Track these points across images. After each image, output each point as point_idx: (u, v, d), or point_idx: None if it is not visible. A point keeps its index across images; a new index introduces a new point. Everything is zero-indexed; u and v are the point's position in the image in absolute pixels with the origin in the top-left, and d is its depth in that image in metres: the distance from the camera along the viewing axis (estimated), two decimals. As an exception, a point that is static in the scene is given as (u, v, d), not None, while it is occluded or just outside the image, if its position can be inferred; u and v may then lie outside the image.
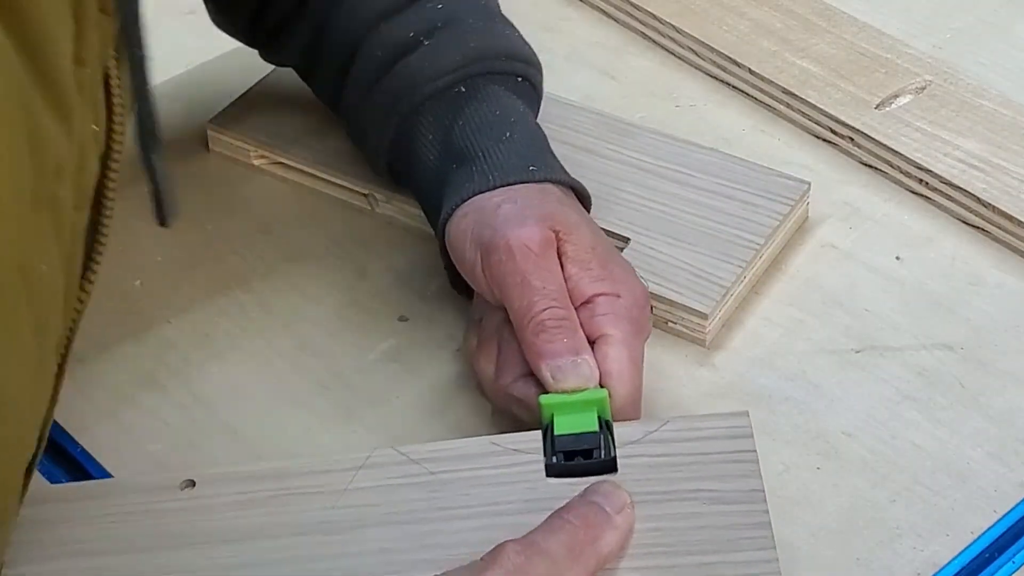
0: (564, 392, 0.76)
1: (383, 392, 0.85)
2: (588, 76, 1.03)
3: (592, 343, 0.78)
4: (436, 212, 0.85)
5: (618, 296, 0.79)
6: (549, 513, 0.71)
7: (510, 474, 0.75)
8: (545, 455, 0.75)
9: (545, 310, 0.78)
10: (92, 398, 0.85)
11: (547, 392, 0.77)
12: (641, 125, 0.96)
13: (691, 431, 0.75)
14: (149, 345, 0.88)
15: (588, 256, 0.80)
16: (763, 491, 0.72)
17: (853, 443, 0.83)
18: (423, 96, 0.86)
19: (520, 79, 0.89)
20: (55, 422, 0.83)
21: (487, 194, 0.82)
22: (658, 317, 0.88)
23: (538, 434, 0.76)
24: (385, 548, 0.72)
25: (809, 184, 0.93)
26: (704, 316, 0.86)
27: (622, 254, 0.89)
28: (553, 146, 0.94)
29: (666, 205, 0.91)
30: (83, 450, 0.83)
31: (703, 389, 0.86)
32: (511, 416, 0.80)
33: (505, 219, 0.80)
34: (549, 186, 0.84)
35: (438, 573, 0.67)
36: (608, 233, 0.90)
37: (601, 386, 0.77)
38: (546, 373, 0.77)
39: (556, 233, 0.80)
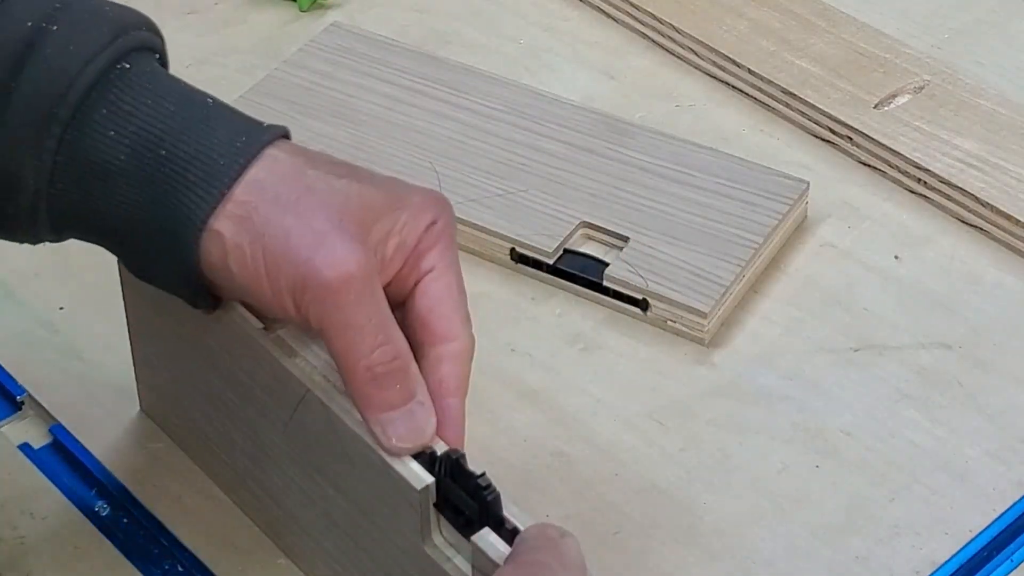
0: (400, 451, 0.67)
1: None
2: (588, 76, 1.04)
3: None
4: (145, 224, 0.68)
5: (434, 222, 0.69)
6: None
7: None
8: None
9: (374, 349, 0.66)
10: (94, 396, 0.85)
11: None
12: (641, 125, 0.97)
13: None
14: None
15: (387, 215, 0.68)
16: None
17: (852, 442, 0.83)
18: (85, 85, 0.67)
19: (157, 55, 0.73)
20: (58, 424, 0.83)
21: (237, 198, 0.67)
22: (657, 316, 0.88)
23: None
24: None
25: (808, 183, 0.93)
26: (703, 315, 0.87)
27: (621, 252, 0.89)
28: (553, 146, 0.95)
29: (665, 204, 0.92)
30: (85, 450, 0.83)
31: (702, 388, 0.86)
32: None
33: (301, 243, 0.66)
34: (280, 153, 0.69)
35: None
36: (607, 232, 0.91)
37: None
38: (375, 427, 0.67)
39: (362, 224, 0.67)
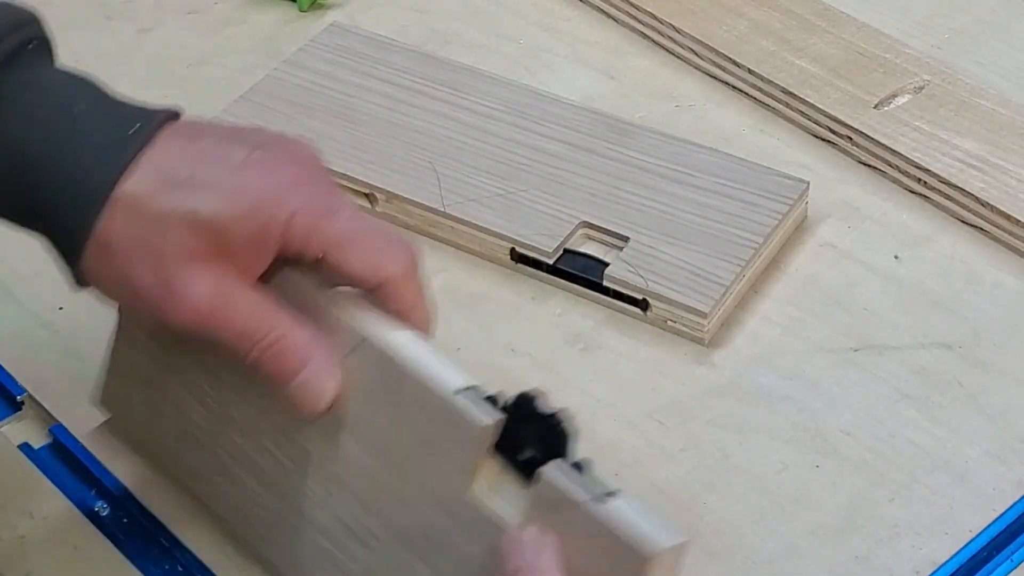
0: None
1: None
2: (588, 76, 1.04)
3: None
4: (34, 230, 0.72)
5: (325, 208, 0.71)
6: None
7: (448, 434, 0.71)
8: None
9: (251, 351, 0.71)
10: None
11: None
12: (641, 125, 0.97)
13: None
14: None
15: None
16: None
17: (852, 442, 0.83)
18: None
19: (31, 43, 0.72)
20: (58, 424, 0.83)
21: (105, 227, 0.69)
22: (657, 316, 0.88)
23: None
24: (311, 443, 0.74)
25: (808, 183, 0.93)
26: (703, 315, 0.87)
27: (621, 252, 0.89)
28: (553, 146, 0.95)
29: (665, 204, 0.92)
30: (85, 450, 0.83)
31: (702, 388, 0.86)
32: None
33: (151, 295, 0.70)
34: (134, 185, 0.70)
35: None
36: (607, 232, 0.91)
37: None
38: (286, 398, 0.72)
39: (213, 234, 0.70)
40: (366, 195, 0.94)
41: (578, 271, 0.90)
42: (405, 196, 0.93)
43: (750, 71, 1.01)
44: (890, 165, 0.96)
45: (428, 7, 1.09)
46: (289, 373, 0.71)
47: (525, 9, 1.09)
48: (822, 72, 1.01)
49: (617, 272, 0.89)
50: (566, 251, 0.90)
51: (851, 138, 0.97)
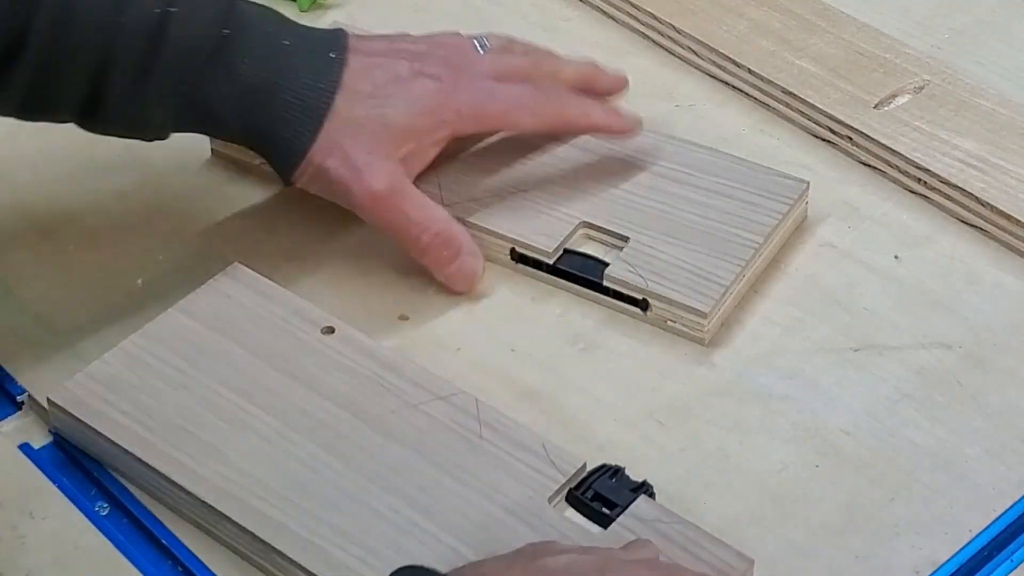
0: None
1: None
2: (588, 76, 1.04)
3: None
4: (253, 145, 0.90)
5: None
6: (531, 529, 0.76)
7: (530, 478, 0.78)
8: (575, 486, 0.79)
9: (419, 236, 0.89)
10: (94, 397, 0.85)
11: None
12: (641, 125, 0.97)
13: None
14: (150, 344, 0.88)
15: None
16: None
17: (852, 441, 0.83)
18: (203, 58, 0.86)
19: None
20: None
21: (321, 135, 0.88)
22: (657, 316, 0.88)
23: (583, 461, 0.80)
24: (392, 465, 0.79)
25: (808, 183, 0.93)
26: (703, 315, 0.87)
27: (621, 252, 0.89)
28: (553, 146, 0.95)
29: (666, 204, 0.92)
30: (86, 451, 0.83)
31: (702, 388, 0.86)
32: None
33: (345, 176, 0.88)
34: (340, 99, 0.88)
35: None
36: (607, 232, 0.91)
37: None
38: (443, 281, 0.90)
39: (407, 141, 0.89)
40: None
41: (578, 271, 0.90)
42: None
43: (750, 71, 1.01)
44: (890, 165, 0.96)
45: (428, 7, 1.09)
46: (448, 258, 0.89)
47: (525, 9, 1.09)
48: (822, 72, 1.01)
49: (617, 272, 0.89)
50: (566, 251, 0.91)
51: (851, 138, 0.98)
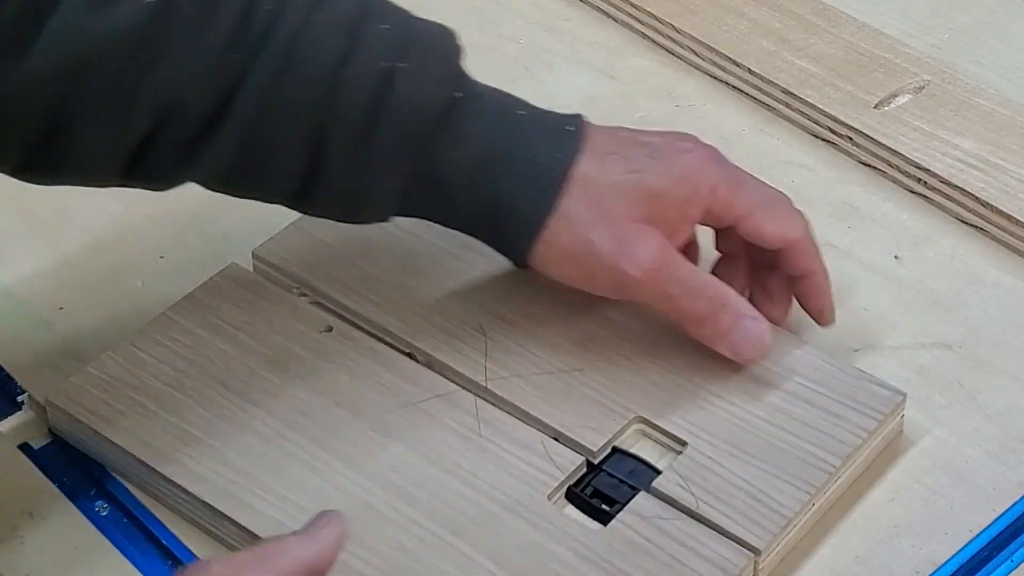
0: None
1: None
2: (588, 76, 1.04)
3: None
4: (483, 226, 0.82)
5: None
6: (530, 526, 0.76)
7: (530, 476, 0.78)
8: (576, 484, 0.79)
9: (694, 306, 0.81)
10: (94, 397, 0.85)
11: None
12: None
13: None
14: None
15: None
16: None
17: (852, 442, 0.83)
18: (435, 117, 0.80)
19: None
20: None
21: (558, 210, 0.80)
22: None
23: (582, 459, 0.79)
24: (392, 464, 0.78)
25: (905, 395, 0.82)
26: (757, 551, 0.76)
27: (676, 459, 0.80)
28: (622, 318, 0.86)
29: (734, 404, 0.81)
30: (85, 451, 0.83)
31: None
32: None
33: (607, 249, 0.80)
34: (584, 161, 0.81)
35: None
36: (661, 431, 0.81)
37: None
38: (727, 352, 0.82)
39: (653, 210, 0.81)
40: (407, 353, 0.84)
41: (624, 477, 0.79)
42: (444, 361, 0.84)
43: (750, 71, 1.01)
44: (890, 165, 0.96)
45: (428, 7, 1.08)
46: (729, 325, 0.81)
47: (525, 9, 1.09)
48: (822, 72, 1.01)
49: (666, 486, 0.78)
50: (615, 449, 0.80)
51: (851, 138, 0.97)
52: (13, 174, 0.79)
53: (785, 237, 0.83)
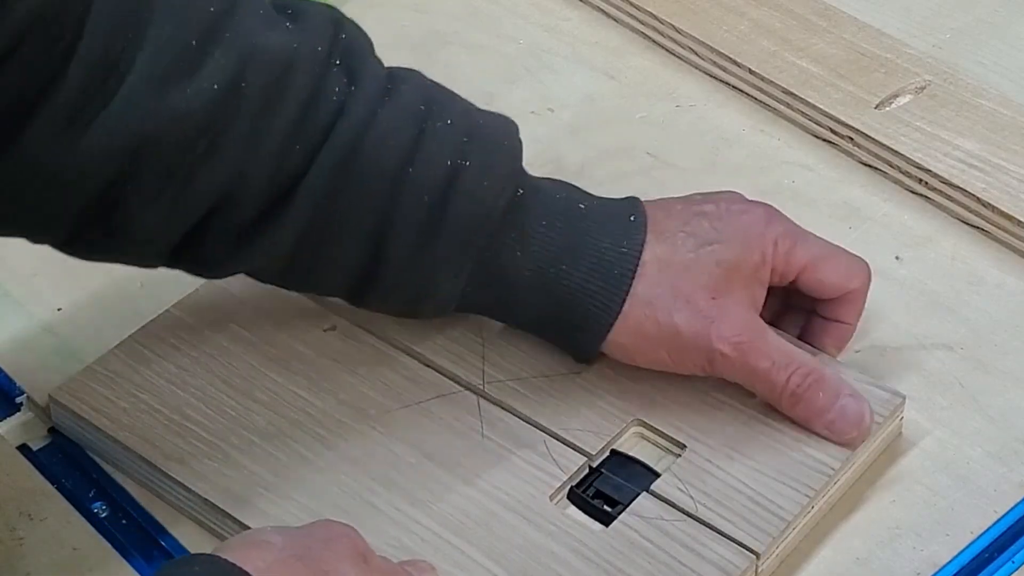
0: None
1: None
2: (588, 76, 1.04)
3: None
4: (550, 323, 0.81)
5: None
6: (532, 527, 0.76)
7: (532, 476, 0.78)
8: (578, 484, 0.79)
9: (788, 380, 0.79)
10: (93, 398, 0.85)
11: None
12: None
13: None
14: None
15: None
16: None
17: (853, 443, 0.83)
18: (498, 216, 0.79)
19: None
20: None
21: (629, 308, 0.79)
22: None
23: (584, 460, 0.79)
24: (394, 463, 0.79)
25: (904, 397, 0.82)
26: (756, 553, 0.76)
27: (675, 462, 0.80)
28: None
29: (733, 407, 0.81)
30: (85, 452, 0.83)
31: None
32: None
33: (692, 329, 0.79)
34: (648, 250, 0.80)
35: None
36: (660, 433, 0.81)
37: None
38: (824, 432, 0.79)
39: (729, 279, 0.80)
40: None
41: (624, 480, 0.79)
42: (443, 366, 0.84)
43: (751, 71, 1.01)
44: (891, 166, 0.96)
45: (428, 7, 1.08)
46: (826, 403, 0.79)
47: (525, 9, 1.09)
48: (823, 72, 1.00)
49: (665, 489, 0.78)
50: (614, 452, 0.80)
51: (852, 138, 0.97)
52: (58, 247, 0.78)
53: (845, 287, 0.83)
